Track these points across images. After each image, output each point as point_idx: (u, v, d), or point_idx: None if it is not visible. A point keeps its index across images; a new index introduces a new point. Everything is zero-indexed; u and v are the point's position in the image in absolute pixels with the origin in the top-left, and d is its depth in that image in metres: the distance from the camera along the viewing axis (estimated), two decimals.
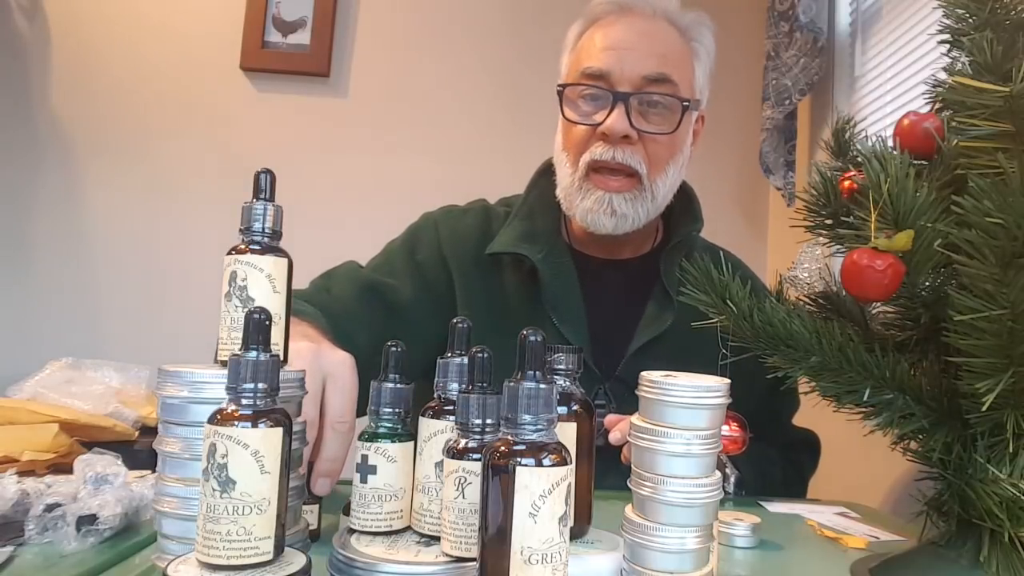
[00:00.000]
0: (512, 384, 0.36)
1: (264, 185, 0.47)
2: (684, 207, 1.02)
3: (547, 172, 1.01)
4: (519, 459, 0.35)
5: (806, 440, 1.05)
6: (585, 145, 0.91)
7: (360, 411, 0.58)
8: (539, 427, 0.36)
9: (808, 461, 1.04)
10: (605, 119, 0.88)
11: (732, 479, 0.86)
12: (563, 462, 0.36)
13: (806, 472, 1.04)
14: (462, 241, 0.99)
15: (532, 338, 0.36)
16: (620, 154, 0.88)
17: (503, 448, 0.36)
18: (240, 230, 0.48)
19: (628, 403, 0.82)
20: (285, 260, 0.48)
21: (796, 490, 1.02)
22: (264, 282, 0.47)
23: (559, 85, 0.94)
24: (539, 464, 0.35)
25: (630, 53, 0.89)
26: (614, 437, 0.75)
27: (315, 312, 0.77)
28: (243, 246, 0.47)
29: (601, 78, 0.90)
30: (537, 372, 0.36)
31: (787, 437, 1.03)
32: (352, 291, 0.91)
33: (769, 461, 0.95)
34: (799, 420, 1.07)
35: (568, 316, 0.94)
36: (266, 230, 0.47)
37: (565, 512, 0.36)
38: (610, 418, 0.78)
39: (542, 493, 0.35)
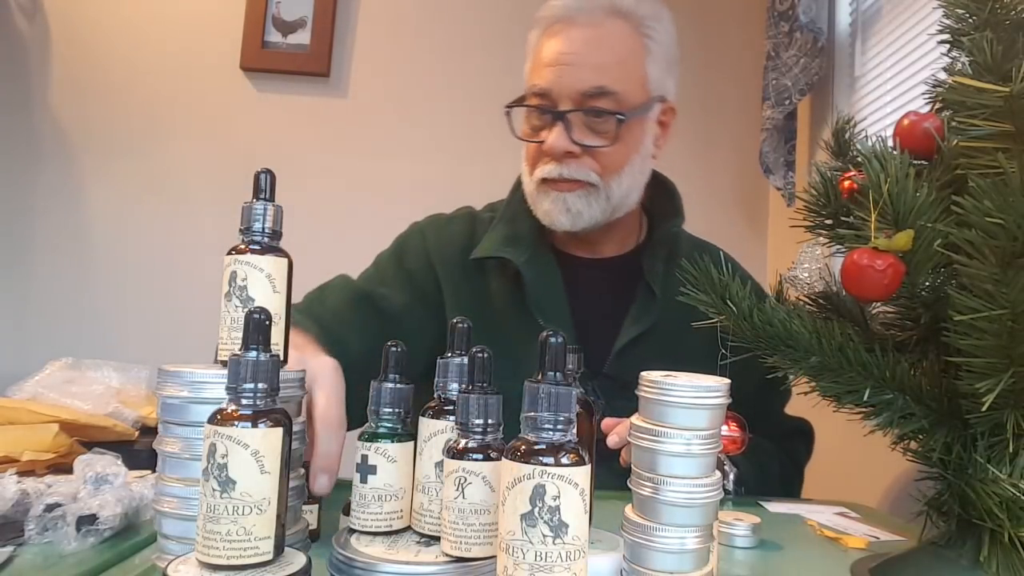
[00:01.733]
0: (533, 384, 0.37)
1: (264, 185, 0.48)
2: (664, 202, 1.03)
3: None
4: (539, 458, 0.36)
5: (799, 429, 1.06)
6: (536, 160, 0.94)
7: (355, 418, 0.59)
8: (559, 427, 0.36)
9: (803, 449, 1.05)
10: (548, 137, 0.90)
11: (731, 476, 0.86)
12: (581, 462, 0.36)
13: (802, 459, 1.05)
14: (449, 248, 1.00)
15: (553, 339, 0.37)
16: (567, 170, 0.91)
17: (523, 447, 0.36)
18: (240, 230, 0.48)
19: (617, 399, 0.82)
20: (285, 260, 0.48)
21: (794, 480, 1.02)
22: (264, 282, 0.47)
23: (506, 106, 0.96)
24: (557, 464, 0.36)
25: (568, 69, 0.90)
26: (612, 441, 0.75)
27: (305, 320, 0.81)
28: (243, 246, 0.47)
29: (544, 96, 0.92)
30: (558, 373, 0.37)
31: (781, 427, 1.04)
32: (345, 300, 0.94)
33: (766, 454, 0.96)
34: (794, 413, 1.07)
35: (553, 316, 0.94)
36: (266, 230, 0.47)
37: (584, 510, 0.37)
38: (607, 422, 0.77)
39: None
